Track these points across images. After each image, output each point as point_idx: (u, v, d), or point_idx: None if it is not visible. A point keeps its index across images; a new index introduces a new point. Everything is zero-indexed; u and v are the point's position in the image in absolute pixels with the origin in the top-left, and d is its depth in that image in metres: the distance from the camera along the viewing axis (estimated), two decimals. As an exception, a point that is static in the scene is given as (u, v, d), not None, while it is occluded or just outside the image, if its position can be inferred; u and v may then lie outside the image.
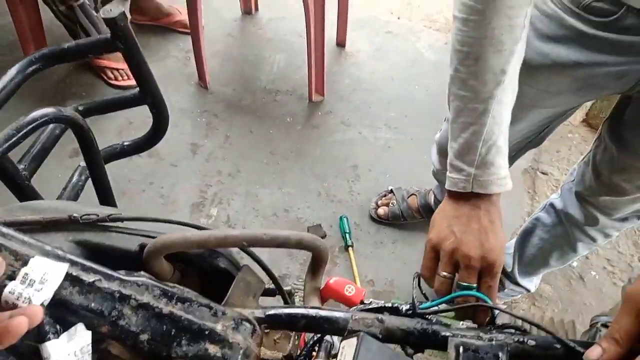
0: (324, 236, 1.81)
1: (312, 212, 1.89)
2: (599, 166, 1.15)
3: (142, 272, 0.57)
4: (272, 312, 0.59)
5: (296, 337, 0.67)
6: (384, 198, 1.89)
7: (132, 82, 2.22)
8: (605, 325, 0.62)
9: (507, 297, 1.65)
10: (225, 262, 0.69)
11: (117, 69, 2.23)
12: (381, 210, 1.85)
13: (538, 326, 0.57)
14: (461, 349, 0.55)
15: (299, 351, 0.65)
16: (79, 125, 0.85)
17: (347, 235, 1.79)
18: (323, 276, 0.71)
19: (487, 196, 0.71)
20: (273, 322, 0.59)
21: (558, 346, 0.55)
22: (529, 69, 0.65)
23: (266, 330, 0.64)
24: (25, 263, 0.50)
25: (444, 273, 0.69)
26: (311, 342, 0.63)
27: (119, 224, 0.68)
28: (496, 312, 0.64)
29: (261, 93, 2.27)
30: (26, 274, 0.49)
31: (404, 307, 0.64)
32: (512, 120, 0.73)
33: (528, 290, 1.62)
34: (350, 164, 2.05)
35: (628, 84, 0.91)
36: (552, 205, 1.40)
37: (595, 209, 1.23)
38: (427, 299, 0.69)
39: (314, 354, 0.64)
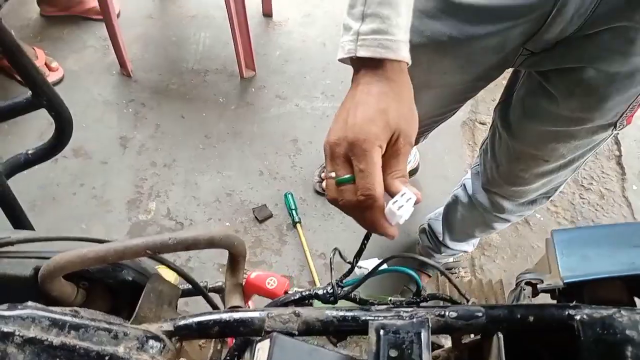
0: (270, 216, 1.77)
1: (255, 192, 1.84)
2: (498, 155, 1.12)
3: (29, 303, 0.52)
4: (181, 322, 0.55)
5: (221, 341, 0.64)
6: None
7: (52, 78, 2.09)
8: (528, 284, 0.61)
9: (446, 258, 1.66)
10: (132, 273, 0.64)
11: (31, 68, 2.08)
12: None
13: (450, 300, 0.56)
14: (382, 332, 0.52)
15: (224, 355, 0.62)
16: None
17: (294, 212, 1.76)
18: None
19: (376, 64, 0.55)
20: (184, 333, 0.55)
21: (480, 314, 0.54)
22: (410, 49, 0.58)
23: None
24: None
25: (326, 174, 0.57)
26: (235, 346, 0.60)
27: (9, 248, 0.62)
28: (423, 283, 0.63)
29: (189, 75, 2.18)
30: None
31: (323, 292, 0.61)
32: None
33: (466, 251, 1.63)
34: (290, 138, 2.01)
35: (508, 58, 0.87)
36: (464, 186, 1.38)
37: (501, 198, 1.20)
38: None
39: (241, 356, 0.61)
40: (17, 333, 0.48)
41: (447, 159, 1.97)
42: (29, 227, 1.03)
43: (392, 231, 0.56)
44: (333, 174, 0.56)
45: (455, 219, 1.44)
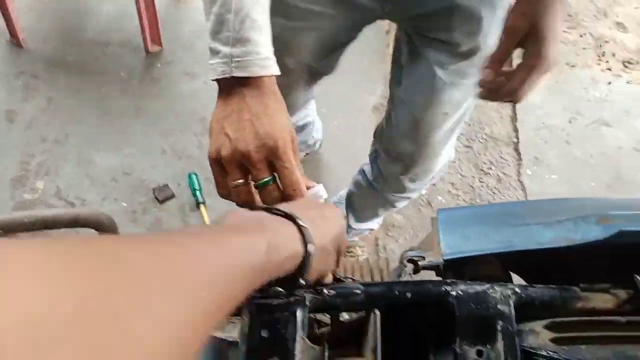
0: (172, 196, 1.69)
1: (157, 172, 1.75)
2: (394, 128, 1.13)
3: None
4: None
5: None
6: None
7: None
8: (410, 261, 0.61)
9: (353, 237, 1.67)
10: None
11: None
12: (232, 162, 1.76)
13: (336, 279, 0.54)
14: (255, 311, 0.50)
15: None
16: None
17: (198, 192, 1.70)
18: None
19: (254, 81, 0.61)
20: None
21: (358, 292, 0.52)
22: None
23: None
24: None
25: (234, 182, 0.60)
26: None
27: None
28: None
29: (88, 46, 2.03)
30: None
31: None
32: (287, 49, 0.65)
33: (372, 229, 1.65)
34: (198, 116, 1.93)
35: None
36: (363, 171, 1.39)
37: (399, 181, 1.23)
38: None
39: None
40: None
41: (358, 143, 1.98)
42: None
43: None
44: (240, 181, 0.60)
45: (357, 203, 1.45)
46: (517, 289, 0.53)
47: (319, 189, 0.62)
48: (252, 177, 0.60)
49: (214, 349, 0.49)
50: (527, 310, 0.53)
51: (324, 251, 0.51)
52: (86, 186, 1.66)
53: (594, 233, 0.56)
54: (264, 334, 0.48)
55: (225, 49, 0.61)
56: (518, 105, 2.17)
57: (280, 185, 0.60)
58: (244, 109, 0.60)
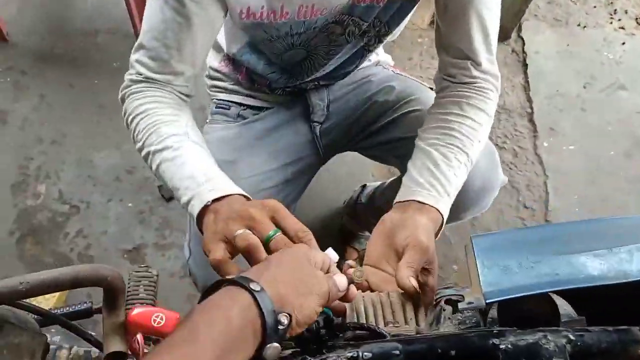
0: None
1: (160, 167, 1.69)
2: None
3: None
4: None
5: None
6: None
7: None
8: (448, 302, 0.55)
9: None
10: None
11: None
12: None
13: (368, 329, 0.49)
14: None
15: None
16: None
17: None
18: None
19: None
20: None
21: (397, 352, 0.47)
22: None
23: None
24: None
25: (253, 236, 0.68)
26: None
27: None
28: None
29: (77, 37, 1.93)
30: None
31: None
32: None
33: None
34: (198, 105, 1.85)
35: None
36: None
37: None
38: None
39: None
40: None
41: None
42: None
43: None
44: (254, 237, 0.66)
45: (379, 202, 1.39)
46: (571, 336, 0.48)
47: (328, 252, 0.61)
48: (259, 234, 0.66)
49: None
50: (584, 359, 0.48)
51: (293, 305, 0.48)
52: (89, 188, 1.60)
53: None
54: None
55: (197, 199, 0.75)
56: (530, 73, 2.09)
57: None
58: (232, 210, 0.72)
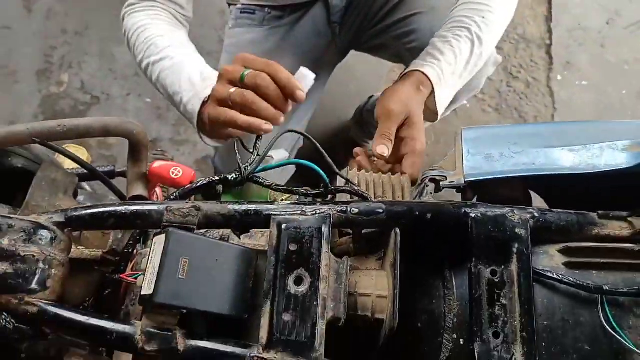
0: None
1: (179, 67, 1.74)
2: None
3: None
4: (73, 214, 0.52)
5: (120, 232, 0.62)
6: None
7: None
8: (432, 180, 0.62)
9: None
10: (21, 160, 0.59)
11: None
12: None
13: (357, 193, 0.56)
14: (283, 227, 0.52)
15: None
16: None
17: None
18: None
19: None
20: (76, 225, 0.53)
21: (380, 210, 0.54)
22: None
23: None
24: None
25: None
26: (133, 237, 0.58)
27: None
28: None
29: None
30: None
31: (233, 176, 0.60)
32: None
33: None
34: (217, 9, 1.87)
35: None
36: None
37: None
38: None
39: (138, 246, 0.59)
40: None
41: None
42: None
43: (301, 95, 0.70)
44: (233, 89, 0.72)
45: None
46: (535, 214, 0.55)
47: (302, 70, 0.71)
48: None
49: (245, 254, 0.52)
50: (543, 233, 0.55)
51: None
52: (109, 80, 1.66)
53: (619, 160, 0.56)
54: (292, 247, 0.51)
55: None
56: (554, 3, 2.05)
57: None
58: None
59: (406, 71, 0.89)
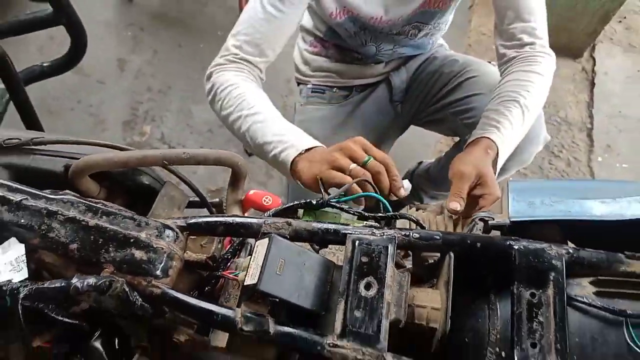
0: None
1: (246, 126, 1.93)
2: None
3: (67, 191, 0.62)
4: (193, 221, 0.66)
5: (219, 242, 0.75)
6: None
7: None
8: (481, 220, 0.73)
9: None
10: (148, 179, 0.74)
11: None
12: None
13: (417, 222, 0.67)
14: (357, 243, 0.64)
15: (222, 253, 0.73)
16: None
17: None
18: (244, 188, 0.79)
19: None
20: (194, 229, 0.66)
21: (437, 237, 0.66)
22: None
23: (192, 237, 0.71)
24: (-49, 186, 0.53)
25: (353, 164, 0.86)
26: (234, 244, 0.71)
27: (42, 146, 0.71)
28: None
29: (188, 5, 2.21)
30: (-47, 195, 0.53)
31: (316, 200, 0.73)
32: None
33: None
34: (284, 77, 2.08)
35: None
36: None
37: None
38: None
39: (237, 254, 0.72)
40: (60, 212, 0.58)
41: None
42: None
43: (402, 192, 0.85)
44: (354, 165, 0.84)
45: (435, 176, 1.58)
46: (570, 250, 0.65)
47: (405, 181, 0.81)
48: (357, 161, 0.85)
49: (326, 263, 0.63)
50: (577, 268, 0.65)
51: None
52: (186, 134, 1.86)
53: (643, 211, 0.66)
54: (364, 259, 0.62)
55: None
56: (596, 91, 2.18)
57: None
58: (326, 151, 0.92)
59: (471, 139, 1.01)
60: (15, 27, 0.97)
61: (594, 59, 2.29)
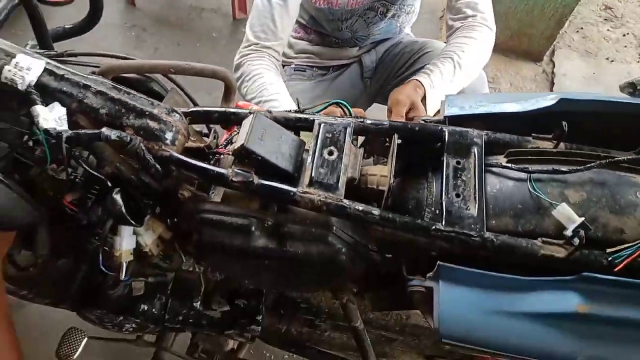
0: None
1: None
2: None
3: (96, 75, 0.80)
4: (193, 109, 0.84)
5: (214, 137, 0.92)
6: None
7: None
8: (423, 120, 0.91)
9: None
10: (157, 86, 0.92)
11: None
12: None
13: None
14: (322, 124, 0.82)
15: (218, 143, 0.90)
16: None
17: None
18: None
19: None
20: (195, 116, 0.84)
21: (385, 123, 0.84)
22: None
23: (193, 134, 0.88)
24: (13, 57, 0.71)
25: None
26: (230, 136, 0.88)
27: (74, 59, 0.90)
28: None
29: (187, 10, 2.43)
30: (17, 62, 0.70)
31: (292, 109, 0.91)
32: None
33: None
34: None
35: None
36: None
37: None
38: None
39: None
40: (92, 86, 0.76)
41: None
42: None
43: None
44: None
45: None
46: (489, 133, 0.83)
47: None
48: None
49: (298, 141, 0.81)
50: (494, 147, 0.82)
51: None
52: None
53: (544, 103, 0.84)
54: (328, 135, 0.80)
55: None
56: (555, 90, 2.41)
57: None
58: None
59: (406, 81, 1.23)
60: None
61: (553, 63, 2.53)
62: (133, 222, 0.78)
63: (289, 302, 0.98)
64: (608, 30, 2.74)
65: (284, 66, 1.71)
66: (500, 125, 0.89)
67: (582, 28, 2.70)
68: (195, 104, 0.96)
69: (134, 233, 0.82)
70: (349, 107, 0.90)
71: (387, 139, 0.86)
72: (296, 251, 0.76)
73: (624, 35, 2.72)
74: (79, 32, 1.28)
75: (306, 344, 1.04)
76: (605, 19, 2.82)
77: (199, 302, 0.96)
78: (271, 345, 1.03)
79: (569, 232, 0.70)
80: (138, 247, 0.83)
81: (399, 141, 0.83)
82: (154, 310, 0.96)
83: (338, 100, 0.92)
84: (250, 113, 0.81)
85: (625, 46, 2.67)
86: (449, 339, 0.70)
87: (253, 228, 0.76)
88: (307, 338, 1.04)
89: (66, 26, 1.27)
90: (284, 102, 1.21)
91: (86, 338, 1.03)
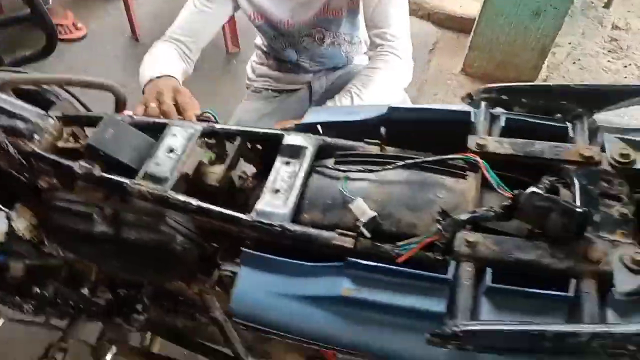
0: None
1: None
2: None
3: None
4: (69, 113, 0.96)
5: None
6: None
7: (76, 35, 2.59)
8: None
9: None
10: (52, 95, 1.05)
11: (61, 25, 2.57)
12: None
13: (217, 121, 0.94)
14: (170, 128, 0.91)
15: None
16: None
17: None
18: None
19: None
20: (68, 120, 0.96)
21: (235, 130, 0.92)
22: None
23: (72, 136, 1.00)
24: None
25: None
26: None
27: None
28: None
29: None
30: None
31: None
32: None
33: None
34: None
35: None
36: None
37: None
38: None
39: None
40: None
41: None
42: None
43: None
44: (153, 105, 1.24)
45: None
46: (326, 139, 0.89)
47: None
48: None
49: (147, 141, 0.91)
50: (329, 150, 0.88)
51: None
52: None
53: (377, 113, 0.90)
54: (174, 136, 0.89)
55: None
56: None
57: None
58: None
59: None
60: (2, 23, 1.35)
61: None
62: (1, 207, 0.90)
63: (167, 294, 1.06)
64: (609, 61, 2.70)
65: (247, 87, 1.84)
66: (348, 132, 0.95)
67: (579, 59, 2.68)
68: (89, 110, 1.08)
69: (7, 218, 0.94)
70: (216, 115, 1.00)
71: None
72: (129, 237, 0.85)
73: (625, 66, 2.66)
74: (37, 59, 1.47)
75: (191, 338, 1.11)
76: (609, 51, 2.78)
77: (86, 290, 1.06)
78: (161, 338, 1.11)
79: (360, 225, 0.75)
80: (13, 231, 0.94)
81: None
82: (46, 294, 1.06)
83: (208, 110, 1.02)
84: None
85: (626, 77, 2.62)
86: (242, 319, 0.76)
87: (95, 215, 0.86)
88: (192, 332, 1.11)
89: (26, 54, 1.47)
90: (161, 61, 1.40)
91: (2, 320, 1.15)
